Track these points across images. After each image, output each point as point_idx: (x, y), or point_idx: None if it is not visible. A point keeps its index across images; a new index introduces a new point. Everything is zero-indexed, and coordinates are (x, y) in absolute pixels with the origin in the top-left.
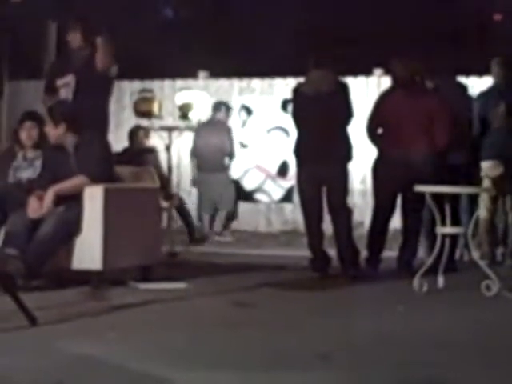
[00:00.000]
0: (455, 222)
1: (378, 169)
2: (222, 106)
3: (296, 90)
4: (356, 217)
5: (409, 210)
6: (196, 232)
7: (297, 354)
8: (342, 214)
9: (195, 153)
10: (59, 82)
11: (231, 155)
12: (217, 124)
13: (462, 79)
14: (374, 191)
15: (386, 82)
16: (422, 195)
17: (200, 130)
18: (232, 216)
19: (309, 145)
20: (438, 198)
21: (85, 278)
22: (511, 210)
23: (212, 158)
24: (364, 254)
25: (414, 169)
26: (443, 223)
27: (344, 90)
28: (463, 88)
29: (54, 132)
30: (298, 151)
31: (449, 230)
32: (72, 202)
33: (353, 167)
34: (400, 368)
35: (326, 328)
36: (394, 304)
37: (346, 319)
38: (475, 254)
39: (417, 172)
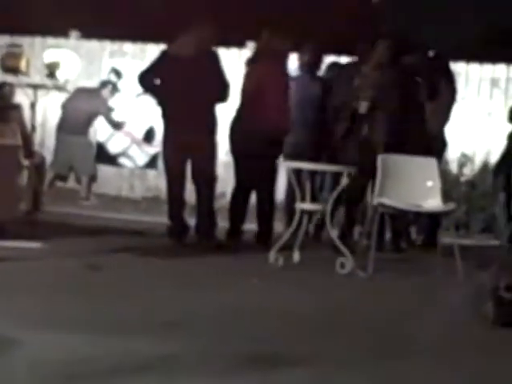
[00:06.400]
0: (314, 198)
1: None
2: (109, 85)
3: (164, 53)
4: (218, 188)
5: (261, 184)
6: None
7: (143, 320)
8: (207, 185)
9: (62, 113)
10: None
11: (109, 119)
12: (94, 92)
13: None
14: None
15: None
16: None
17: (74, 94)
18: (93, 178)
19: (175, 111)
20: (298, 174)
21: None
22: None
23: (75, 120)
24: (225, 225)
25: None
26: (303, 199)
27: (212, 57)
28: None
29: None
30: (165, 116)
31: (308, 206)
32: None
33: (218, 138)
34: (249, 341)
35: (176, 297)
36: (249, 277)
37: (198, 289)
38: (333, 232)
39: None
